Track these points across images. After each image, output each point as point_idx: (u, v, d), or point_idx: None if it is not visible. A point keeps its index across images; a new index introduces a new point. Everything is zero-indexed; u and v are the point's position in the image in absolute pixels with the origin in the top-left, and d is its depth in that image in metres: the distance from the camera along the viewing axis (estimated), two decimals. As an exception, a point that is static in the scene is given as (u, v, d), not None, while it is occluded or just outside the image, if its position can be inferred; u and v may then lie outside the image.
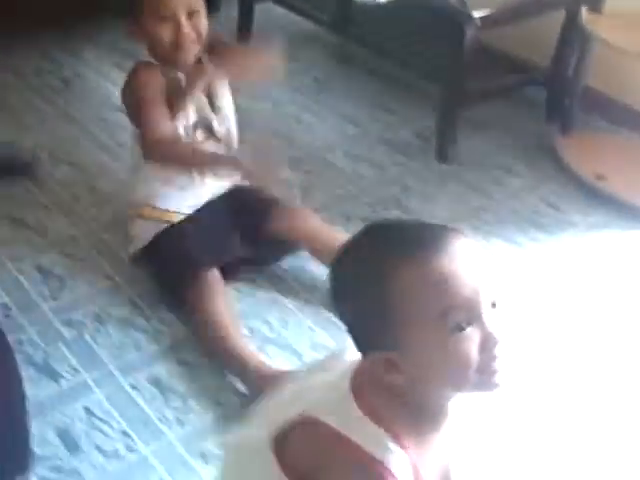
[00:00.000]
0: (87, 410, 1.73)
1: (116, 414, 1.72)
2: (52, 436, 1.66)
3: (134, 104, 1.95)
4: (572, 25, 2.60)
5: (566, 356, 1.90)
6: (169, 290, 2.00)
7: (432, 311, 0.94)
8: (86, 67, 3.12)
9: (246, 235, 2.05)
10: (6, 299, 2.01)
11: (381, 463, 0.98)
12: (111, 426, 1.69)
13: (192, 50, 1.95)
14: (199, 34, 1.95)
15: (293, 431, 1.06)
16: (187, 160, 1.94)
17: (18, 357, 1.58)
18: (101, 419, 1.71)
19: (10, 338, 1.52)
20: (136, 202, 2.09)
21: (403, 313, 0.95)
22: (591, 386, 1.82)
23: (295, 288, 2.08)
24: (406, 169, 2.59)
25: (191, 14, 1.93)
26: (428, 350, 0.96)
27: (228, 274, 2.01)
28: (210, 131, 2.04)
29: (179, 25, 1.91)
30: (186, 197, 2.06)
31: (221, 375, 1.82)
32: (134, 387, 1.79)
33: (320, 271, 2.03)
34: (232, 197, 2.11)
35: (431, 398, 1.03)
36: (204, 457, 1.63)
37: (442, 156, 2.62)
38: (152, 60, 2.00)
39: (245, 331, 1.93)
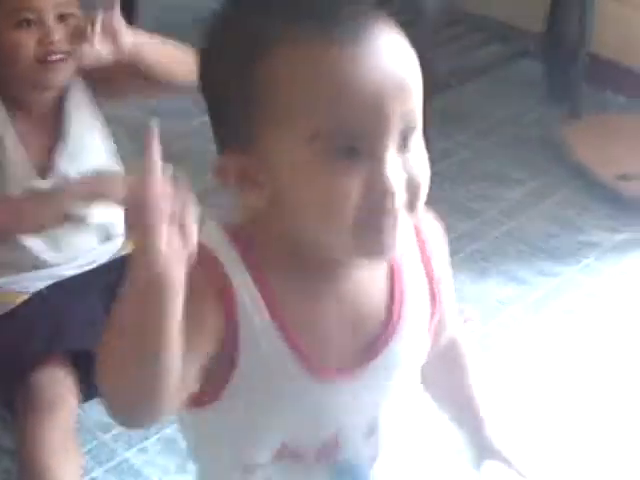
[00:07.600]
0: None
1: None
2: None
3: None
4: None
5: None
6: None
7: (301, 118, 0.76)
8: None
9: None
10: None
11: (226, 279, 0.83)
12: None
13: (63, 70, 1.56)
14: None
15: None
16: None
17: None
18: None
19: None
20: None
21: (266, 107, 0.79)
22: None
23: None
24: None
25: (63, 17, 1.52)
26: (292, 168, 0.78)
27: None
28: None
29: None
30: (39, 274, 1.64)
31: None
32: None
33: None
34: (111, 270, 1.63)
35: (309, 242, 0.83)
36: None
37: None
38: None
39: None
